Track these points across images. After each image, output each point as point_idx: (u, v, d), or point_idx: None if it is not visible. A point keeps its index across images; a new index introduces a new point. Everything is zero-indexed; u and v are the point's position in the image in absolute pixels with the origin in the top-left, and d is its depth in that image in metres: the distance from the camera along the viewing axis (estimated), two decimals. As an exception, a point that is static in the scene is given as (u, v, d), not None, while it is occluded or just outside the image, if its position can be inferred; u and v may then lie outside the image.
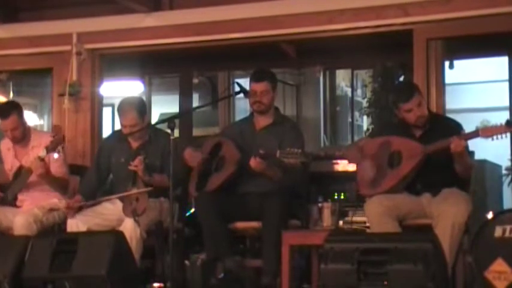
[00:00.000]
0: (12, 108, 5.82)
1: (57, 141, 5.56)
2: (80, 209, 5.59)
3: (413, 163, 5.11)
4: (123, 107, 5.69)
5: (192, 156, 5.54)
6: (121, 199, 5.53)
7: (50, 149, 5.54)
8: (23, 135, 5.86)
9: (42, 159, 5.56)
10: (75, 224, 5.47)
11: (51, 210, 5.72)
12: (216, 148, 5.62)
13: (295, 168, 5.23)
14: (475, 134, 5.00)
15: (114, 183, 5.87)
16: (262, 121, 5.66)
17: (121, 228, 5.31)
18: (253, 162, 5.29)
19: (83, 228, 5.44)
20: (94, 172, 5.88)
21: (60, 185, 5.84)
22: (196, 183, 5.59)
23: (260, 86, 5.57)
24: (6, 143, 6.02)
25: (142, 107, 5.73)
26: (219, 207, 5.36)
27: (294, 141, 5.47)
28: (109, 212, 5.62)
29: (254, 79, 5.61)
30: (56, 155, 5.64)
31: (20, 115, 5.82)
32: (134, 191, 5.40)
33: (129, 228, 5.29)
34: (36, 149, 5.77)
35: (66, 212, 5.62)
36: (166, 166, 5.34)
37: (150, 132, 5.77)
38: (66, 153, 5.88)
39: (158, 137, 5.71)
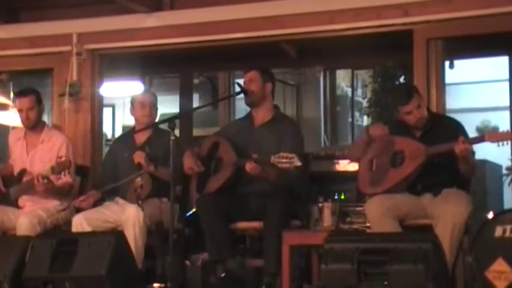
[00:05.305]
0: (32, 91, 6.00)
1: (64, 165, 5.52)
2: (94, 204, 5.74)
3: (416, 164, 5.10)
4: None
5: (189, 163, 5.54)
6: (126, 195, 5.63)
7: (55, 171, 5.52)
8: (36, 121, 5.93)
9: (45, 177, 5.53)
10: (80, 224, 5.50)
11: (54, 211, 5.72)
12: (213, 148, 5.62)
13: (290, 172, 5.17)
14: (481, 138, 5.00)
15: (118, 180, 5.87)
16: (260, 117, 5.64)
17: (124, 217, 5.39)
18: (249, 167, 5.28)
19: (87, 228, 5.47)
20: (104, 170, 6.07)
21: (65, 192, 5.84)
22: (196, 184, 5.60)
23: (247, 76, 5.62)
24: (16, 134, 6.11)
25: (156, 99, 6.01)
26: (221, 209, 5.35)
27: (293, 139, 5.47)
28: (114, 212, 5.64)
29: (243, 72, 5.72)
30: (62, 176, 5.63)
31: (38, 100, 5.95)
32: (139, 179, 5.48)
33: (132, 214, 5.35)
34: (46, 144, 5.87)
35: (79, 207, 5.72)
36: (167, 162, 5.37)
37: (154, 130, 5.86)
38: (73, 157, 5.90)
39: (161, 134, 5.76)
